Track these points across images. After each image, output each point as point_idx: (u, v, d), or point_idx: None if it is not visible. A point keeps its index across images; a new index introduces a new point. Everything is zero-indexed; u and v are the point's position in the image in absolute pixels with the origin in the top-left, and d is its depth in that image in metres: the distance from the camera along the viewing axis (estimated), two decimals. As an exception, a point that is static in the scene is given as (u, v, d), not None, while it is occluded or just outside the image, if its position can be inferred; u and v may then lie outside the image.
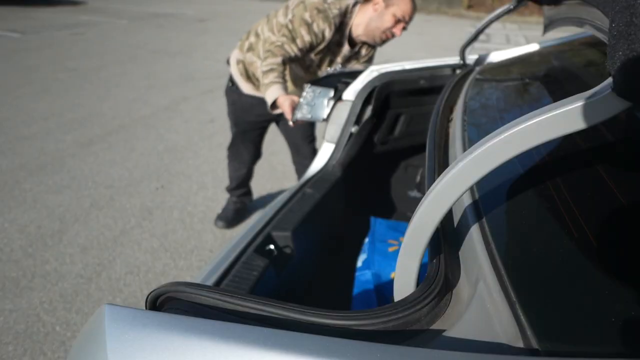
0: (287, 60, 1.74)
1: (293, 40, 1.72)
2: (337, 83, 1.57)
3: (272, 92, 1.66)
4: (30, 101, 4.34)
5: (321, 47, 1.81)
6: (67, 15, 9.22)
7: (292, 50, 1.72)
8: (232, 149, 2.33)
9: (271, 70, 1.69)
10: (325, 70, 1.96)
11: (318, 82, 1.59)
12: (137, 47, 6.81)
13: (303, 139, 2.23)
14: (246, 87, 2.03)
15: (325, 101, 1.51)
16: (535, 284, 0.47)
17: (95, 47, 6.70)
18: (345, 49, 1.89)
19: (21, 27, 7.69)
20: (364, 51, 1.99)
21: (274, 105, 1.67)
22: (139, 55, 6.35)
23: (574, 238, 0.49)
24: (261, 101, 2.04)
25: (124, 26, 8.47)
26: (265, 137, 2.35)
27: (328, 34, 1.76)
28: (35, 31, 7.49)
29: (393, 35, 1.84)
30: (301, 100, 1.51)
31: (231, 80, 2.08)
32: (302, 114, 1.50)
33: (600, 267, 0.45)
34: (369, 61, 2.06)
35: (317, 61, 1.90)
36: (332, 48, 1.89)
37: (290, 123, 1.60)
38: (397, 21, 1.78)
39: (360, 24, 1.82)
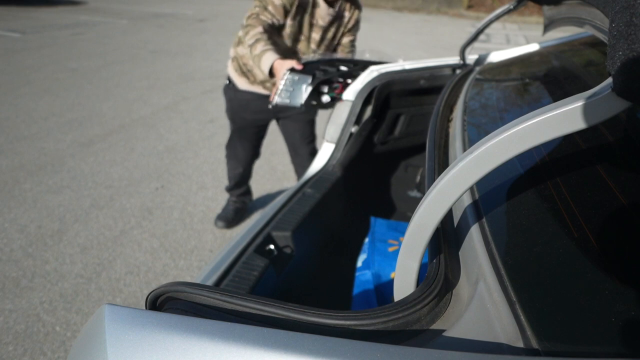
0: (269, 29, 1.77)
1: (265, 8, 1.76)
2: (315, 70, 1.61)
3: (266, 60, 1.67)
4: (30, 101, 4.34)
5: (294, 9, 1.81)
6: (67, 15, 9.22)
7: (267, 17, 1.75)
8: (230, 146, 2.34)
9: (257, 41, 1.72)
10: (312, 42, 1.94)
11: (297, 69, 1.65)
12: (137, 47, 6.81)
13: (302, 139, 2.22)
14: (241, 83, 2.04)
15: (303, 87, 1.57)
16: (535, 284, 0.47)
17: (95, 47, 6.70)
18: (323, 8, 1.87)
19: (21, 27, 7.69)
20: (347, 13, 1.97)
21: (272, 73, 1.68)
22: (139, 55, 6.35)
23: (574, 238, 0.49)
24: (257, 97, 2.05)
25: (124, 26, 8.47)
26: (264, 138, 2.34)
27: None
28: (35, 31, 7.49)
29: None
30: (280, 86, 1.57)
31: (228, 78, 2.11)
32: (281, 98, 1.57)
33: (600, 267, 0.45)
34: (354, 28, 2.03)
35: (297, 26, 1.88)
36: (308, 9, 1.87)
37: (270, 106, 1.66)
38: None
39: None
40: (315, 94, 1.59)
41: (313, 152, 2.28)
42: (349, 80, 1.63)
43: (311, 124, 2.23)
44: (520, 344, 0.42)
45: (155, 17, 9.71)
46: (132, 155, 3.36)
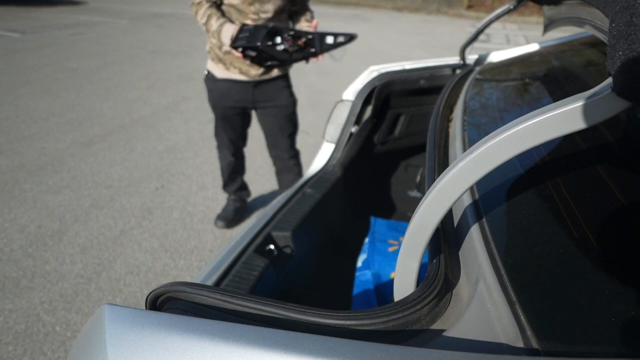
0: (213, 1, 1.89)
1: None
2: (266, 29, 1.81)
3: (225, 33, 1.84)
4: (30, 101, 4.34)
5: None
6: (67, 15, 9.21)
7: None
8: (217, 135, 2.35)
9: (209, 17, 1.87)
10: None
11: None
12: (137, 47, 6.80)
13: (281, 131, 2.23)
14: (218, 71, 2.07)
15: (259, 31, 1.78)
16: (535, 284, 0.47)
17: (95, 47, 6.70)
18: None
19: (21, 27, 7.69)
20: None
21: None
22: (139, 55, 6.35)
23: (574, 238, 0.49)
24: (235, 84, 2.08)
25: (124, 26, 8.47)
26: (249, 126, 2.34)
27: None
28: (35, 31, 7.48)
29: None
30: (240, 34, 1.78)
31: (207, 69, 2.15)
32: (240, 41, 1.78)
33: (600, 267, 0.45)
34: None
35: None
36: None
37: (236, 53, 1.82)
38: None
39: None
40: (271, 42, 1.80)
41: (293, 145, 2.30)
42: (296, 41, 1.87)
43: (290, 117, 2.22)
44: (520, 344, 0.42)
45: (155, 17, 9.71)
46: (132, 155, 3.35)
